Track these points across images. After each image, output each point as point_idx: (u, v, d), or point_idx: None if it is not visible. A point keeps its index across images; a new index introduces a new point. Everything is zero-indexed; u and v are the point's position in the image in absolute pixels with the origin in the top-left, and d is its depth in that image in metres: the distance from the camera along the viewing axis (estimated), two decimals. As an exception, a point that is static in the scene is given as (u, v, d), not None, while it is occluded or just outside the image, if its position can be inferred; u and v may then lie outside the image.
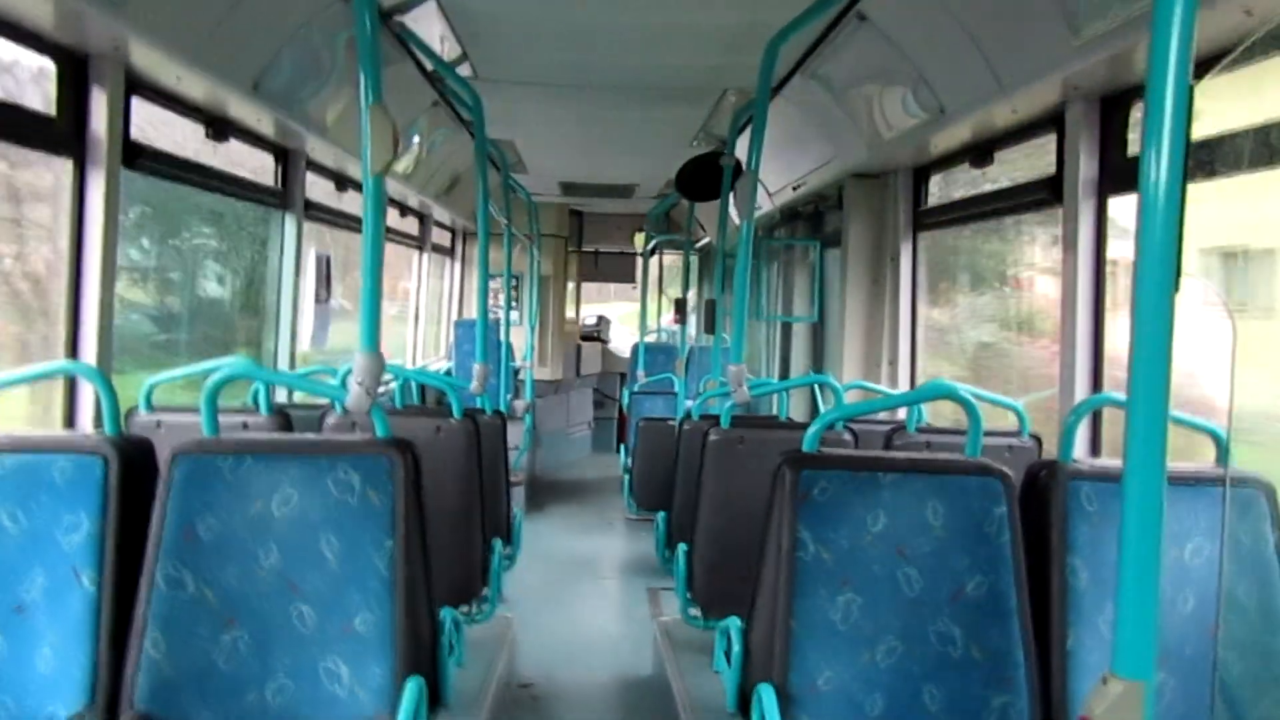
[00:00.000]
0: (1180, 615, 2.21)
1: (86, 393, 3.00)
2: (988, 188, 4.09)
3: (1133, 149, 3.04)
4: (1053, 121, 3.36)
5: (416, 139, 5.90)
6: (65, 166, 2.94)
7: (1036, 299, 4.24)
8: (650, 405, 8.14)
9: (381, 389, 2.57)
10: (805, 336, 6.75)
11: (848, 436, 3.55)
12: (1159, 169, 1.22)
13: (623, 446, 7.96)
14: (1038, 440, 3.48)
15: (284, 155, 4.58)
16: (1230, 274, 3.09)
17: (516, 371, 8.58)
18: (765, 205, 6.82)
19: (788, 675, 2.15)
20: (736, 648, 2.41)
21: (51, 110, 2.86)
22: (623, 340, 12.63)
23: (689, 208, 8.22)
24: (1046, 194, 3.44)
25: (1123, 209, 3.12)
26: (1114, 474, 2.24)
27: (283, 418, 3.44)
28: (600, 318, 12.79)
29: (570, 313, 11.55)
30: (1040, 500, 2.28)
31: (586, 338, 11.94)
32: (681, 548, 3.65)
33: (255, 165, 4.41)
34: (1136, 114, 3.01)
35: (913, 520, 2.23)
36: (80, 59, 2.91)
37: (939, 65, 3.54)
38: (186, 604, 2.14)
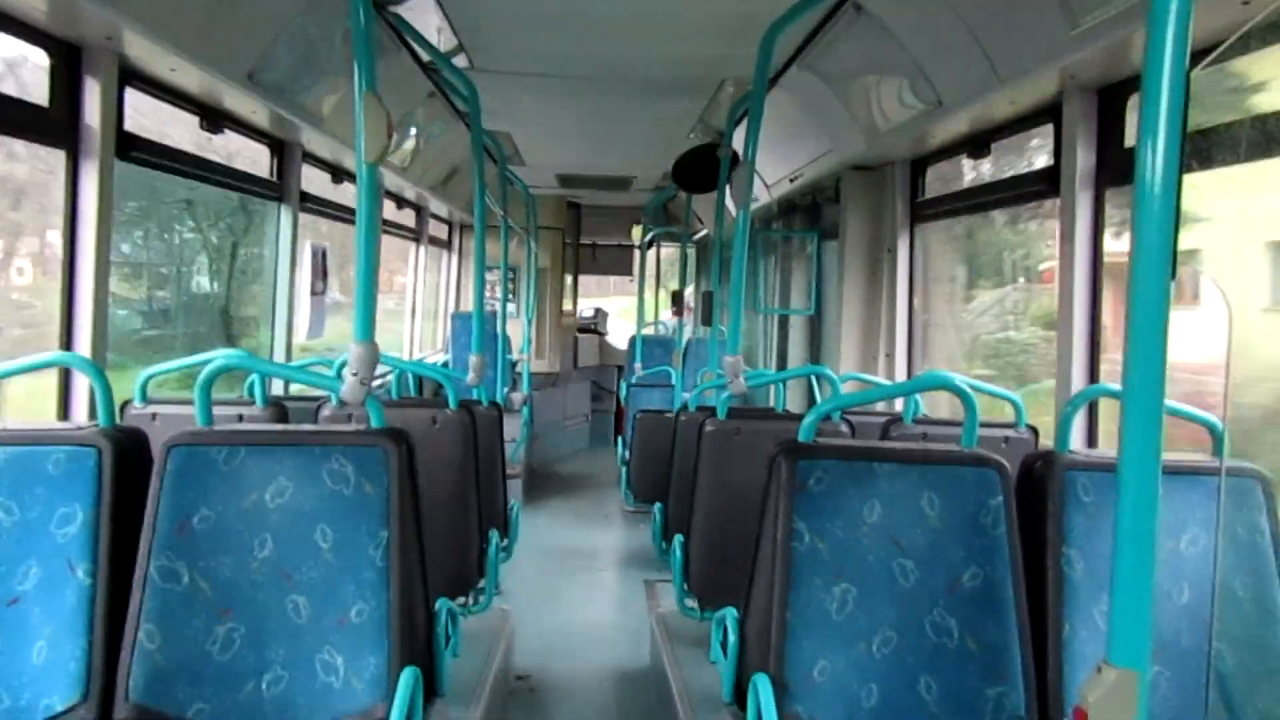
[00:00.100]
0: (1175, 606, 2.21)
1: (81, 384, 3.00)
2: (970, 177, 4.06)
3: (1130, 140, 3.03)
4: (1050, 113, 3.35)
5: (413, 131, 5.88)
6: (58, 158, 2.94)
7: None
8: (647, 397, 8.15)
9: (379, 381, 2.57)
10: (803, 328, 6.74)
11: (844, 428, 3.55)
12: (1155, 159, 1.21)
13: (620, 439, 7.97)
14: (1034, 431, 3.48)
15: (280, 147, 4.56)
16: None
17: (514, 364, 8.57)
18: (763, 197, 6.81)
19: (783, 666, 2.15)
20: (733, 639, 2.41)
21: (44, 101, 2.85)
22: (622, 334, 12.63)
23: (686, 200, 8.21)
24: (1044, 185, 3.43)
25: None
26: (1110, 464, 2.24)
27: (278, 409, 3.44)
28: (597, 310, 12.79)
29: (568, 305, 11.55)
30: (1036, 491, 2.28)
31: (584, 330, 11.94)
32: (678, 539, 3.66)
33: (249, 157, 4.39)
34: (1134, 105, 3.00)
35: (908, 511, 2.23)
36: (73, 50, 2.89)
37: (936, 56, 3.53)
38: (181, 596, 2.14)
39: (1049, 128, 3.41)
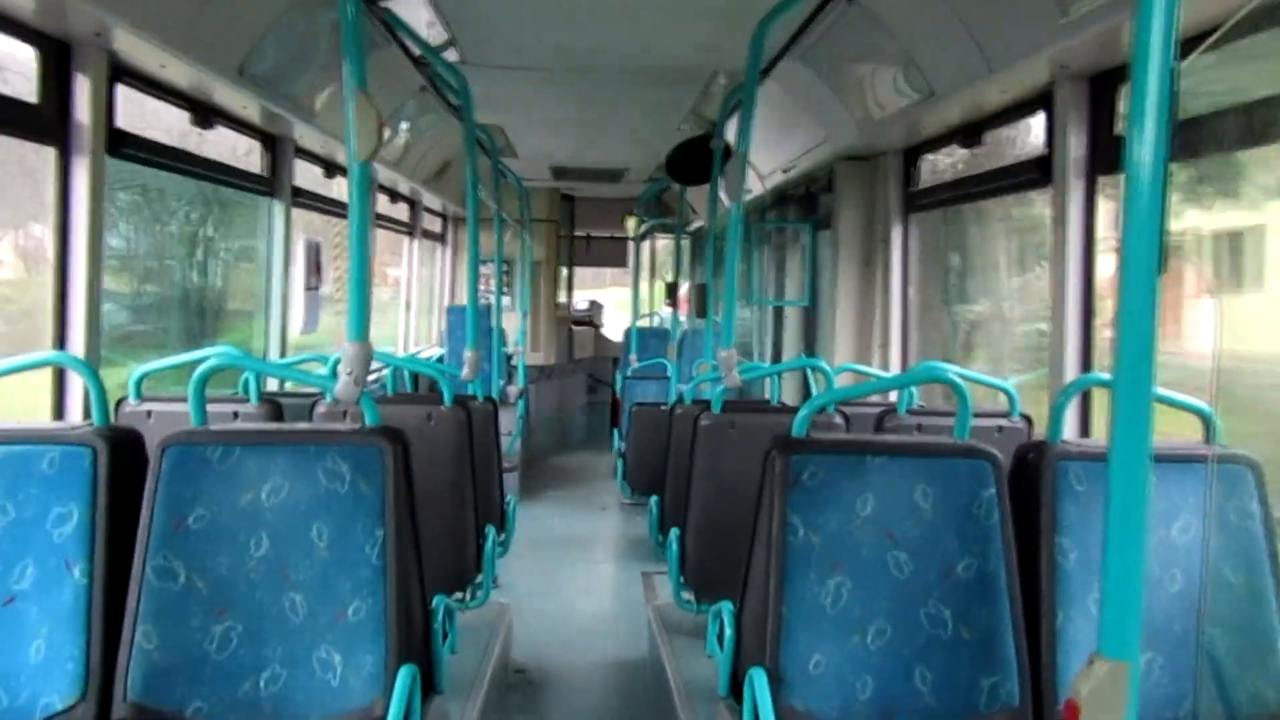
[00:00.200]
0: (1168, 594, 2.22)
1: (76, 382, 2.99)
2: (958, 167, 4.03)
3: (1122, 129, 3.03)
4: (1042, 101, 3.35)
5: (405, 125, 5.86)
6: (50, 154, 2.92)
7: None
8: (643, 390, 8.14)
9: (373, 377, 2.56)
10: (797, 320, 6.75)
11: (839, 420, 3.56)
12: (1144, 148, 1.21)
13: (616, 431, 7.97)
14: (1028, 421, 3.49)
15: (272, 142, 4.55)
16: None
17: (509, 357, 8.57)
18: (756, 188, 6.80)
19: (779, 659, 2.16)
20: (729, 632, 2.42)
21: (34, 98, 2.84)
22: (618, 326, 12.62)
23: (680, 191, 8.20)
24: (1037, 174, 3.43)
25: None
26: (1102, 454, 2.24)
27: (273, 406, 3.43)
28: (592, 302, 12.79)
29: (562, 298, 11.55)
30: (1029, 481, 2.29)
31: (579, 323, 11.93)
32: (674, 532, 3.66)
33: (238, 152, 4.37)
34: (1126, 93, 3.00)
35: (902, 503, 2.23)
36: (63, 46, 2.88)
37: (928, 46, 3.52)
38: (178, 594, 2.14)
39: (1041, 116, 3.41)
